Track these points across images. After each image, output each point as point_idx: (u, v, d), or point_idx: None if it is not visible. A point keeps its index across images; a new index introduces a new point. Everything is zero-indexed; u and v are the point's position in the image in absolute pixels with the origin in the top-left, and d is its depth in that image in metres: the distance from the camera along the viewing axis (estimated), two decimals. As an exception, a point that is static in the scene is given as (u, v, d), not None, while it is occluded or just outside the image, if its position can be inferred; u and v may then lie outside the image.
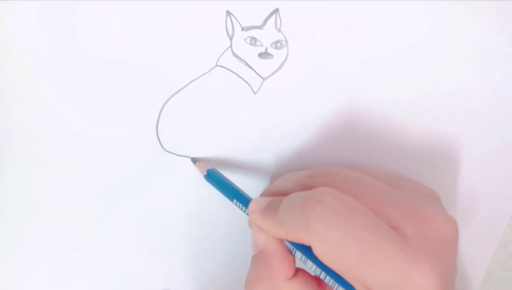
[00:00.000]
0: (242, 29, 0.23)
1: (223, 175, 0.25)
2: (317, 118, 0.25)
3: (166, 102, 0.25)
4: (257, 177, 0.27)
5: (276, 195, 0.23)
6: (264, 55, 0.24)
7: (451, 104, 0.26)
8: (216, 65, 0.24)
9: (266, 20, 0.23)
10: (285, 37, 0.23)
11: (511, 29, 0.24)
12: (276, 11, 0.23)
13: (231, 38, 0.23)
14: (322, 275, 0.20)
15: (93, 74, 0.24)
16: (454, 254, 0.19)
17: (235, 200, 0.24)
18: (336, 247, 0.18)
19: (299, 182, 0.23)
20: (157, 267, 0.29)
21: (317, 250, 0.18)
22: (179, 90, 0.24)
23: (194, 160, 0.26)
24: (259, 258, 0.21)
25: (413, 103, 0.26)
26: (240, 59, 0.24)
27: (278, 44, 0.24)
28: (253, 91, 0.25)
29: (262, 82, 0.24)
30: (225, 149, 0.26)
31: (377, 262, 0.17)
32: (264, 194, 0.24)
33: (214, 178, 0.24)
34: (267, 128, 0.26)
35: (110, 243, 0.28)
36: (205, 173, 0.25)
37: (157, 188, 0.27)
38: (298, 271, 0.21)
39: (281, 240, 0.21)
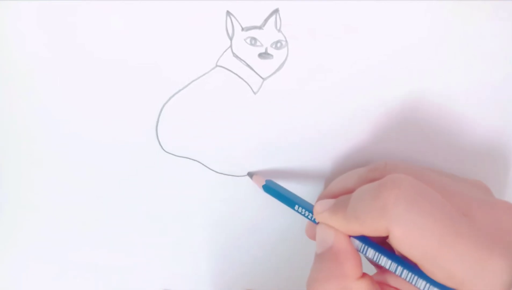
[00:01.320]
0: (242, 29, 0.23)
1: (279, 185, 0.25)
2: (317, 118, 0.25)
3: (166, 103, 0.25)
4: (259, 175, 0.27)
5: (338, 195, 0.23)
6: (264, 55, 0.24)
7: (451, 104, 0.26)
8: (216, 66, 0.24)
9: (266, 20, 0.23)
10: (285, 37, 0.23)
11: (511, 29, 0.24)
12: (276, 11, 0.23)
13: (231, 38, 0.23)
14: (399, 270, 0.19)
15: (93, 74, 0.24)
16: None
17: (297, 206, 0.24)
18: (416, 230, 0.18)
19: (360, 178, 0.23)
20: (157, 267, 0.29)
21: (396, 235, 0.18)
22: (179, 91, 0.24)
23: (251, 175, 0.27)
24: (327, 256, 0.21)
25: (413, 102, 0.26)
26: (240, 59, 0.24)
27: (278, 44, 0.24)
28: (253, 91, 0.25)
29: (262, 82, 0.24)
30: (225, 148, 0.26)
31: (459, 246, 0.18)
32: (323, 196, 0.24)
33: (272, 189, 0.25)
34: (267, 129, 0.26)
35: (110, 243, 0.28)
36: (262, 187, 0.25)
37: (156, 189, 0.27)
38: (363, 273, 0.21)
39: (350, 238, 0.21)
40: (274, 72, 0.24)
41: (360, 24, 0.24)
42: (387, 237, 0.19)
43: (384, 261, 0.20)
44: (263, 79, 0.24)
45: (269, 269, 0.30)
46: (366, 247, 0.21)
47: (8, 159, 0.26)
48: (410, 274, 0.19)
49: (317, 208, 0.22)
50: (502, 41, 0.24)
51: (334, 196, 0.23)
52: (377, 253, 0.20)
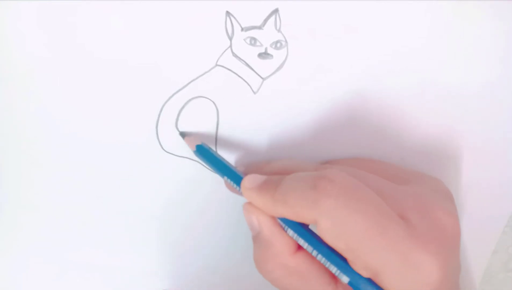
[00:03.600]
0: (242, 29, 0.23)
1: (214, 151, 0.24)
2: (317, 118, 0.25)
3: (166, 102, 0.25)
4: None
5: (272, 173, 0.22)
6: (263, 55, 0.24)
7: (451, 104, 0.26)
8: (216, 65, 0.24)
9: (265, 20, 0.23)
10: (284, 37, 0.23)
11: (511, 29, 0.24)
12: (275, 11, 0.23)
13: (230, 38, 0.23)
14: (314, 253, 0.20)
15: (93, 74, 0.24)
16: (456, 248, 0.20)
17: (225, 177, 0.23)
18: (343, 224, 0.18)
19: (306, 166, 0.23)
20: (157, 267, 0.29)
21: (323, 227, 0.19)
22: (179, 90, 0.24)
23: (183, 134, 0.25)
24: (259, 239, 0.22)
25: (413, 102, 0.25)
26: (240, 59, 0.24)
27: (278, 44, 0.24)
28: (252, 91, 0.25)
29: (262, 82, 0.24)
30: (224, 149, 0.26)
31: (382, 241, 0.18)
32: (255, 168, 0.24)
33: (205, 153, 0.24)
34: (267, 128, 0.26)
35: (110, 243, 0.28)
36: (194, 148, 0.24)
37: (156, 189, 0.27)
38: (299, 246, 0.21)
39: (274, 218, 0.21)
40: (274, 72, 0.24)
41: (360, 24, 0.24)
42: None
43: (302, 242, 0.20)
44: (263, 79, 0.24)
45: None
46: (287, 227, 0.21)
47: (8, 159, 0.26)
48: (324, 259, 0.20)
49: (245, 183, 0.22)
50: (502, 41, 0.24)
51: (267, 173, 0.23)
52: (296, 235, 0.21)
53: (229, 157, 0.26)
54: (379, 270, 0.18)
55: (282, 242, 0.21)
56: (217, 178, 0.27)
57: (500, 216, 0.29)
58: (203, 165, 0.26)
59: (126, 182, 0.27)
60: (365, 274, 0.19)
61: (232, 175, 0.23)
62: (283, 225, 0.21)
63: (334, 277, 0.21)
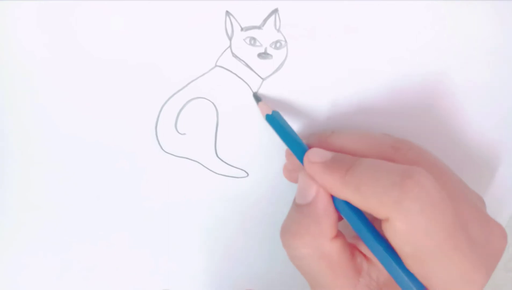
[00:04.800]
0: (242, 29, 0.23)
1: (284, 121, 0.23)
2: (317, 118, 0.25)
3: (165, 103, 0.25)
4: (257, 175, 0.27)
5: (339, 150, 0.21)
6: (263, 55, 0.24)
7: (451, 104, 0.26)
8: (216, 66, 0.24)
9: (265, 20, 0.23)
10: (284, 38, 0.23)
11: (511, 29, 0.24)
12: (275, 11, 0.23)
13: (230, 39, 0.23)
14: (373, 247, 0.19)
15: (93, 74, 0.24)
16: (498, 261, 0.20)
17: (293, 146, 0.22)
18: (419, 231, 0.18)
19: (378, 148, 0.22)
20: (157, 267, 0.29)
21: (397, 228, 0.18)
22: (179, 91, 0.24)
23: (258, 98, 0.24)
24: (305, 211, 0.20)
25: (413, 102, 0.25)
26: (240, 59, 0.24)
27: (278, 44, 0.24)
28: (252, 91, 0.25)
29: (262, 82, 0.24)
30: (224, 149, 0.26)
31: (447, 258, 0.18)
32: (318, 142, 0.23)
33: (274, 121, 0.23)
34: (267, 129, 0.26)
35: (110, 243, 0.28)
36: (270, 112, 0.23)
37: (156, 189, 0.27)
38: (338, 232, 0.21)
39: (331, 198, 0.20)
40: (274, 72, 0.24)
41: (360, 24, 0.24)
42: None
43: (362, 233, 0.20)
44: (263, 79, 0.24)
45: (269, 269, 0.30)
46: (349, 212, 0.20)
47: (8, 159, 0.26)
48: (382, 253, 0.19)
49: (310, 157, 0.21)
50: (502, 41, 0.24)
51: (333, 149, 0.22)
52: (357, 223, 0.20)
53: (230, 157, 0.26)
54: (434, 282, 0.18)
55: (329, 224, 0.20)
56: (216, 178, 0.27)
57: (500, 216, 0.29)
58: (203, 166, 0.26)
59: (125, 182, 0.27)
60: (424, 284, 0.19)
61: (298, 150, 0.21)
62: (345, 210, 0.20)
63: (358, 272, 0.21)
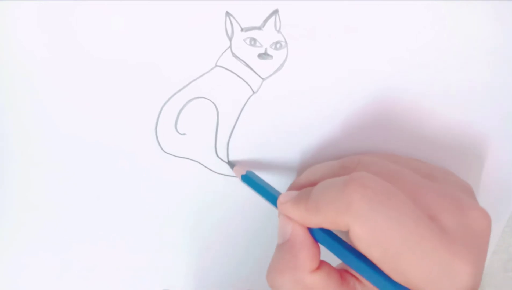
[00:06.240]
0: (242, 29, 0.23)
1: (258, 177, 0.25)
2: (317, 118, 0.25)
3: (165, 103, 0.25)
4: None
5: (305, 186, 0.23)
6: (263, 55, 0.24)
7: (452, 104, 0.26)
8: (216, 66, 0.24)
9: (265, 21, 0.23)
10: (284, 38, 0.23)
11: (511, 29, 0.24)
12: (275, 12, 0.23)
13: (230, 39, 0.23)
14: (354, 265, 0.19)
15: (93, 74, 0.24)
16: (486, 247, 0.20)
17: (269, 199, 0.24)
18: (378, 231, 0.18)
19: (330, 173, 0.23)
20: (157, 267, 0.29)
21: (356, 233, 0.18)
22: (179, 91, 0.24)
23: (232, 164, 0.26)
24: (284, 248, 0.21)
25: (413, 102, 0.25)
26: (240, 59, 0.24)
27: (278, 45, 0.24)
28: (252, 91, 0.25)
29: (262, 83, 0.24)
30: (224, 149, 0.26)
31: (418, 250, 0.18)
32: (291, 187, 0.25)
33: (251, 180, 0.25)
34: (267, 129, 0.26)
35: (110, 243, 0.28)
36: (240, 177, 0.25)
37: (156, 189, 0.27)
38: (322, 263, 0.21)
39: (307, 230, 0.21)
40: (274, 73, 0.24)
41: (360, 24, 0.24)
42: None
43: (341, 254, 0.20)
44: (263, 79, 0.24)
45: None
46: (325, 238, 0.21)
47: (8, 159, 0.26)
48: (365, 270, 0.19)
49: (280, 199, 0.22)
50: (502, 41, 0.24)
51: (300, 187, 0.23)
52: (335, 245, 0.20)
53: (229, 157, 0.26)
54: (415, 280, 0.18)
55: (307, 256, 0.20)
56: (217, 178, 0.27)
57: (500, 216, 0.29)
58: (203, 166, 0.26)
59: (125, 183, 0.27)
60: (405, 284, 0.18)
61: (272, 198, 0.23)
62: (322, 237, 0.21)
63: None
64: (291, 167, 0.27)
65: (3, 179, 0.26)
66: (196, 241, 0.29)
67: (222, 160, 0.26)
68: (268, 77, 0.24)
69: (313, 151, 0.26)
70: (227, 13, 0.23)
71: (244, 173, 0.25)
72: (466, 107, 0.26)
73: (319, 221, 0.20)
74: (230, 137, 0.26)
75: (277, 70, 0.24)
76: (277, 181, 0.27)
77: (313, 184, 0.22)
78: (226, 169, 0.27)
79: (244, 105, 0.25)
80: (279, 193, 0.23)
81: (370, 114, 0.26)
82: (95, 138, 0.25)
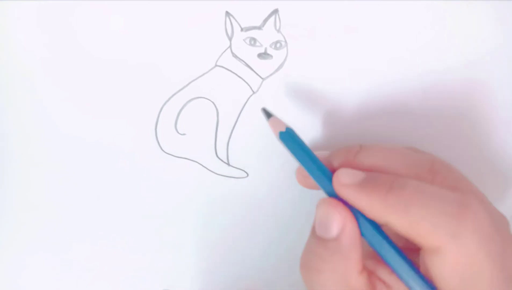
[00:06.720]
0: (242, 29, 0.23)
1: (300, 139, 0.21)
2: (317, 118, 0.25)
3: (165, 103, 0.25)
4: (257, 175, 0.27)
5: (372, 170, 0.20)
6: (263, 55, 0.24)
7: (451, 104, 0.26)
8: (216, 66, 0.24)
9: (265, 20, 0.23)
10: (284, 38, 0.23)
11: (511, 29, 0.24)
12: (275, 11, 0.23)
13: (230, 39, 0.23)
14: (401, 270, 0.18)
15: (93, 74, 0.24)
16: None
17: (312, 168, 0.20)
18: (474, 266, 0.17)
19: (415, 169, 0.20)
20: (157, 267, 0.29)
21: (448, 260, 0.17)
22: (179, 91, 0.24)
23: (268, 114, 0.22)
24: (331, 246, 0.19)
25: (413, 102, 0.25)
26: (240, 59, 0.24)
27: (278, 45, 0.24)
28: (252, 91, 0.25)
29: (262, 82, 0.24)
30: (224, 149, 0.26)
31: None
32: (349, 163, 0.21)
33: (289, 140, 0.21)
34: (267, 129, 0.26)
35: (109, 243, 0.28)
36: (284, 129, 0.21)
37: (155, 189, 0.27)
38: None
39: (358, 227, 0.19)
40: (274, 72, 0.24)
41: (360, 24, 0.24)
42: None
43: (389, 257, 0.19)
44: (263, 79, 0.24)
45: (269, 270, 0.30)
46: (375, 236, 0.19)
47: (8, 159, 0.26)
48: (418, 281, 0.18)
49: (341, 179, 0.19)
50: (502, 41, 0.24)
51: (362, 168, 0.20)
52: (385, 247, 0.18)
53: (229, 158, 0.26)
54: None
55: (359, 258, 0.19)
56: (216, 179, 0.27)
57: None
58: (203, 166, 0.26)
59: (125, 183, 0.27)
60: None
61: (318, 172, 0.20)
62: (372, 236, 0.19)
63: None
64: (291, 167, 0.27)
65: (3, 179, 0.26)
66: (196, 241, 0.29)
67: (221, 160, 0.26)
68: (268, 77, 0.24)
69: (313, 151, 0.26)
70: (227, 13, 0.23)
71: (283, 130, 0.21)
72: (466, 107, 0.26)
73: (396, 221, 0.18)
74: (230, 137, 0.26)
75: (277, 70, 0.24)
76: (277, 181, 0.27)
77: (385, 171, 0.19)
78: (226, 169, 0.27)
79: (244, 105, 0.25)
80: (326, 169, 0.20)
81: (370, 114, 0.26)
82: (95, 138, 0.25)
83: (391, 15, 0.23)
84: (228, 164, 0.26)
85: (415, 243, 0.18)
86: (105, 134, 0.25)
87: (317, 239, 0.19)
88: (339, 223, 0.19)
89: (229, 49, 0.24)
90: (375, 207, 0.18)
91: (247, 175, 0.27)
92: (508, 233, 0.20)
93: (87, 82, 0.24)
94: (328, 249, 0.19)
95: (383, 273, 0.20)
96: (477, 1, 0.23)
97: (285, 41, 0.23)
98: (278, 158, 0.26)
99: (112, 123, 0.25)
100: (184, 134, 0.26)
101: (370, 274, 0.20)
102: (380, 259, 0.19)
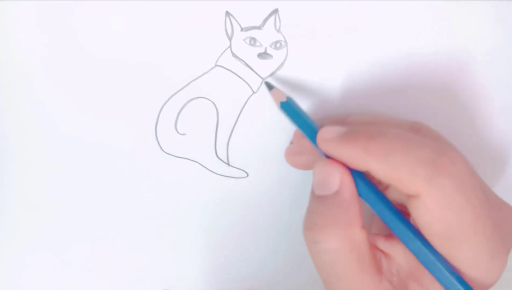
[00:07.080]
0: (242, 29, 0.23)
1: (299, 108, 0.22)
2: (316, 118, 0.25)
3: (165, 103, 0.25)
4: (257, 175, 0.27)
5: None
6: (263, 55, 0.24)
7: (452, 104, 0.26)
8: (216, 65, 0.24)
9: (265, 20, 0.23)
10: (284, 38, 0.23)
11: (511, 29, 0.24)
12: (275, 11, 0.23)
13: (230, 39, 0.23)
14: (399, 229, 0.19)
15: (93, 74, 0.24)
16: None
17: (312, 134, 0.21)
18: (451, 209, 0.17)
19: (398, 127, 0.21)
20: (157, 267, 0.29)
21: (427, 204, 0.17)
22: (179, 91, 0.24)
23: (270, 86, 0.23)
24: (330, 201, 0.19)
25: (414, 102, 0.25)
26: (240, 59, 0.24)
27: (278, 45, 0.24)
28: (252, 91, 0.25)
29: (262, 82, 0.24)
30: (224, 149, 0.26)
31: (481, 238, 0.18)
32: (329, 122, 0.21)
33: (291, 108, 0.22)
34: (267, 129, 0.26)
35: (109, 243, 0.28)
36: (285, 99, 0.22)
37: (155, 189, 0.27)
38: None
39: (354, 182, 0.19)
40: (274, 72, 0.24)
41: (360, 24, 0.24)
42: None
43: (386, 214, 0.19)
44: (263, 78, 0.24)
45: (269, 270, 0.30)
46: (368, 192, 0.19)
47: (8, 159, 0.26)
48: (409, 236, 0.19)
49: (324, 135, 0.19)
50: (502, 41, 0.24)
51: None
52: (378, 203, 0.19)
53: (229, 158, 0.26)
54: (464, 261, 0.18)
55: (358, 212, 0.19)
56: (216, 179, 0.27)
57: None
58: (203, 166, 0.26)
59: (125, 183, 0.27)
60: (445, 257, 0.18)
61: (315, 135, 0.20)
62: (368, 194, 0.19)
63: (379, 269, 0.20)
64: (291, 167, 0.27)
65: (3, 179, 0.26)
66: (196, 241, 0.29)
67: (221, 160, 0.26)
68: (268, 76, 0.24)
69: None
70: (227, 13, 0.23)
71: (284, 100, 0.22)
72: (466, 107, 0.26)
73: (378, 168, 0.18)
74: (230, 137, 0.26)
75: (277, 70, 0.24)
76: (277, 181, 0.27)
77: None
78: (226, 169, 0.27)
79: (244, 105, 0.25)
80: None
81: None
82: (95, 138, 0.25)
83: (391, 15, 0.23)
84: (228, 164, 0.26)
85: (398, 190, 0.18)
86: (105, 134, 0.25)
87: (317, 198, 0.20)
88: (338, 178, 0.19)
89: (229, 49, 0.24)
90: (357, 155, 0.18)
91: (247, 175, 0.27)
92: (489, 188, 0.20)
93: (87, 82, 0.24)
94: (329, 204, 0.19)
95: (380, 242, 0.21)
96: (477, 1, 0.23)
97: (285, 41, 0.23)
98: (278, 158, 0.26)
99: (112, 123, 0.25)
100: (184, 134, 0.26)
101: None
102: (377, 231, 0.20)
